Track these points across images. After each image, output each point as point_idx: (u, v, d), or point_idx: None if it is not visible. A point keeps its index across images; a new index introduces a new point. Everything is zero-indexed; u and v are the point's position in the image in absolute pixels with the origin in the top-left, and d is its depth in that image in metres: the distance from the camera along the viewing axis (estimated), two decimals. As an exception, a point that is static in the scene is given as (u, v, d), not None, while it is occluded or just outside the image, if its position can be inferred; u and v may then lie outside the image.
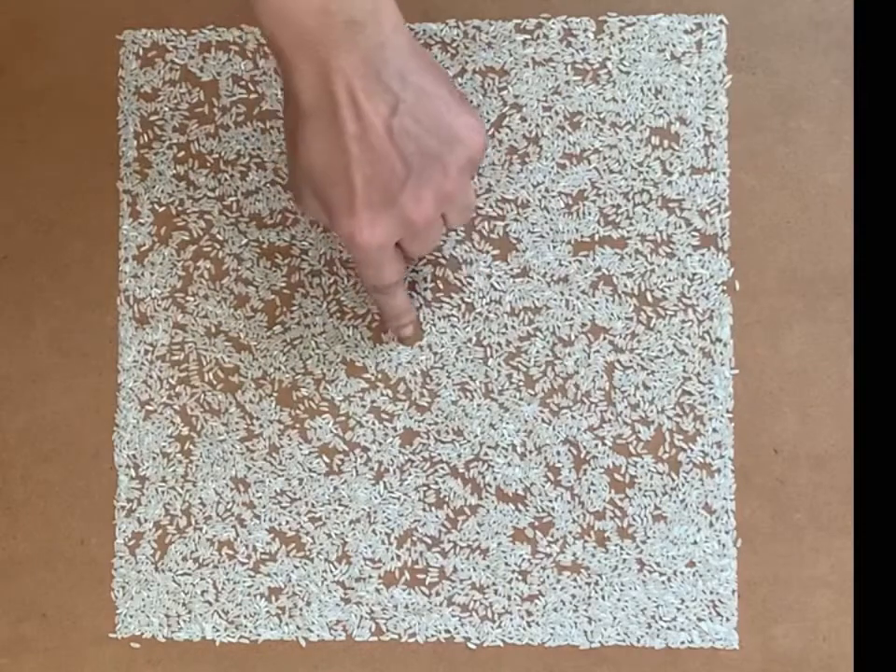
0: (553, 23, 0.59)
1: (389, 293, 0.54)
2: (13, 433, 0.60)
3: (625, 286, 0.58)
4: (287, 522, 0.59)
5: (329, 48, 0.44)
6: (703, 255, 0.58)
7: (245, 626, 0.59)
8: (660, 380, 0.58)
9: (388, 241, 0.49)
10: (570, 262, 0.58)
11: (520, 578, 0.58)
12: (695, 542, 0.57)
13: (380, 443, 0.58)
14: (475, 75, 0.59)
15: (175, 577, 0.59)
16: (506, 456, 0.58)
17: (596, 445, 0.58)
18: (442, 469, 0.58)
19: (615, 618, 0.57)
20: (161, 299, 0.60)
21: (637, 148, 0.58)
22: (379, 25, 0.45)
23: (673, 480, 0.57)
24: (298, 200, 0.49)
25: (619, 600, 0.57)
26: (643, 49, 0.58)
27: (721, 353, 0.57)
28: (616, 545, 0.57)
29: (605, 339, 0.58)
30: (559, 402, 0.58)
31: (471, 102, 0.58)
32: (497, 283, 0.58)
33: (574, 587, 0.57)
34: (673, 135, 0.58)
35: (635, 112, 0.58)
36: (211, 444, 0.59)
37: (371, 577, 0.58)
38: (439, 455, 0.58)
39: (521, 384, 0.58)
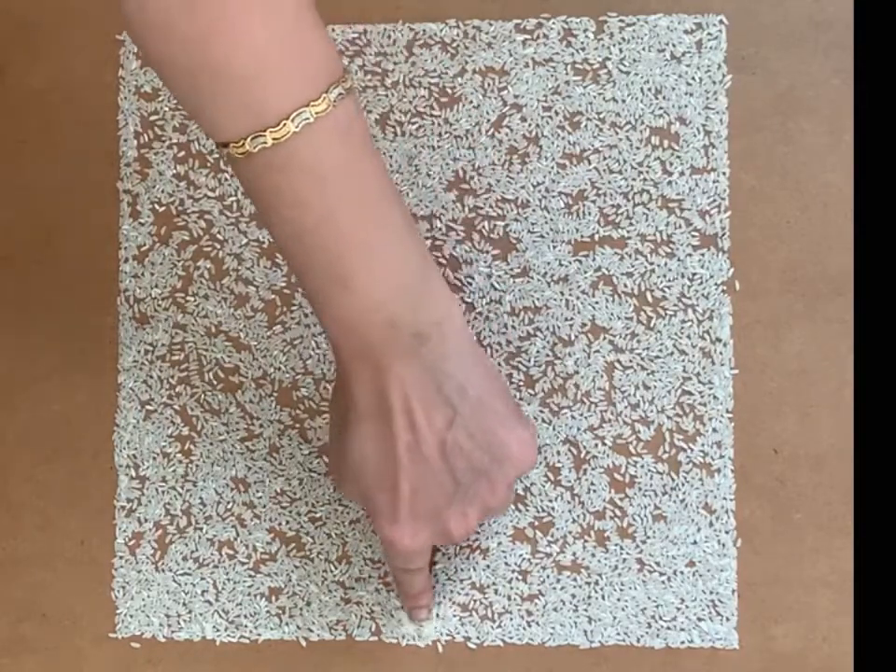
0: (553, 23, 0.59)
1: (414, 574, 0.53)
2: (13, 433, 0.60)
3: (625, 286, 0.58)
4: (287, 522, 0.59)
5: (392, 357, 0.44)
6: (703, 255, 0.58)
7: (245, 626, 0.59)
8: (660, 380, 0.58)
9: (427, 546, 0.49)
10: (570, 262, 0.58)
11: (520, 578, 0.58)
12: (695, 542, 0.57)
13: (380, 443, 0.58)
14: (475, 75, 0.59)
15: (175, 577, 0.59)
16: (506, 456, 0.58)
17: (596, 445, 0.58)
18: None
19: (615, 618, 0.57)
20: (161, 299, 0.60)
21: (637, 148, 0.58)
22: (444, 337, 0.45)
23: (673, 480, 0.57)
24: (339, 486, 0.50)
25: (619, 600, 0.57)
26: (643, 48, 0.58)
27: (721, 353, 0.57)
28: (616, 545, 0.57)
29: (605, 339, 0.58)
30: (559, 402, 0.58)
31: (471, 102, 0.58)
32: (497, 283, 0.58)
33: (574, 587, 0.57)
34: (673, 135, 0.58)
35: (635, 112, 0.58)
36: (211, 444, 0.59)
37: (371, 577, 0.58)
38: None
39: (521, 384, 0.58)
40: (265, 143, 0.41)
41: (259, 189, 0.43)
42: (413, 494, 0.46)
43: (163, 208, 0.60)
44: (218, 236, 0.60)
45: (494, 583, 0.58)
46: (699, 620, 0.57)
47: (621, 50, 0.58)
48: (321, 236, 0.43)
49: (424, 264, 0.45)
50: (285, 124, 0.41)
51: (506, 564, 0.58)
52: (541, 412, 0.58)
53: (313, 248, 0.43)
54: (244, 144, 0.42)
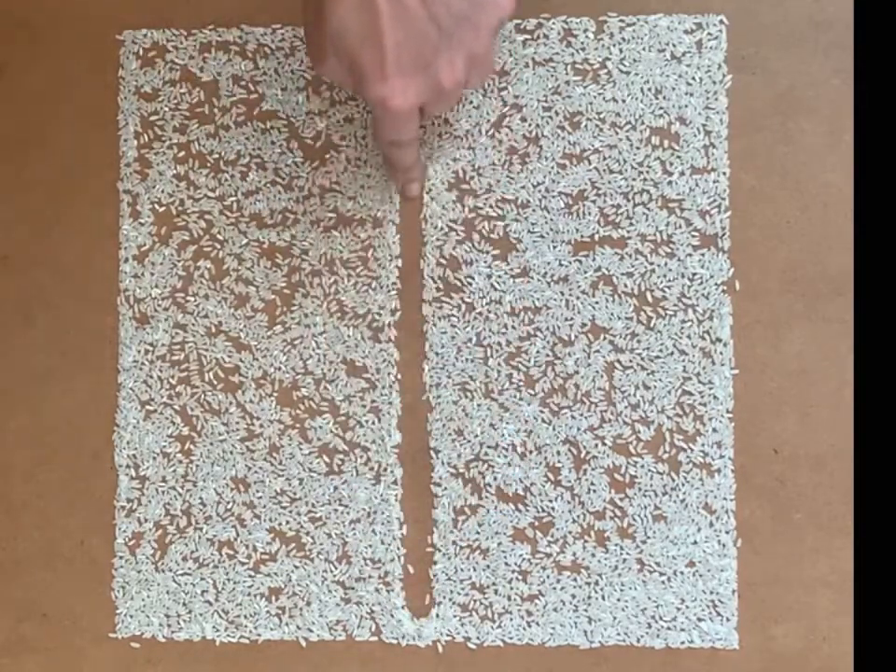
0: (553, 23, 0.59)
1: (404, 147, 0.53)
2: (13, 433, 0.60)
3: (625, 286, 0.58)
4: (287, 522, 0.59)
5: None
6: (703, 255, 0.58)
7: (245, 626, 0.59)
8: (660, 380, 0.58)
9: (418, 105, 0.49)
10: (570, 262, 0.58)
11: (520, 578, 0.58)
12: (695, 542, 0.57)
13: (380, 443, 0.58)
14: (475, 75, 0.59)
15: (175, 577, 0.59)
16: (506, 456, 0.58)
17: (596, 445, 0.58)
18: (442, 468, 0.58)
19: (615, 618, 0.57)
20: (161, 299, 0.60)
21: (637, 148, 0.58)
22: None
23: (673, 480, 0.57)
24: (318, 62, 0.48)
25: (619, 600, 0.57)
26: (643, 49, 0.58)
27: (721, 353, 0.57)
28: (616, 545, 0.57)
29: (605, 339, 0.58)
30: (559, 402, 0.58)
31: (471, 102, 0.59)
32: (497, 283, 0.58)
33: (574, 587, 0.57)
34: (673, 135, 0.58)
35: (635, 112, 0.58)
36: (211, 444, 0.59)
37: (370, 577, 0.58)
38: (439, 455, 0.58)
39: (521, 384, 0.58)
40: None
41: None
42: (397, 46, 0.46)
43: (163, 208, 0.60)
44: (218, 236, 0.60)
45: (494, 583, 0.58)
46: (699, 620, 0.57)
47: (621, 50, 0.58)
48: None
49: None
50: None
51: (506, 564, 0.58)
52: (541, 412, 0.58)
53: None
54: None
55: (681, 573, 0.57)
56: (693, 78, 0.58)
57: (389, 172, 0.58)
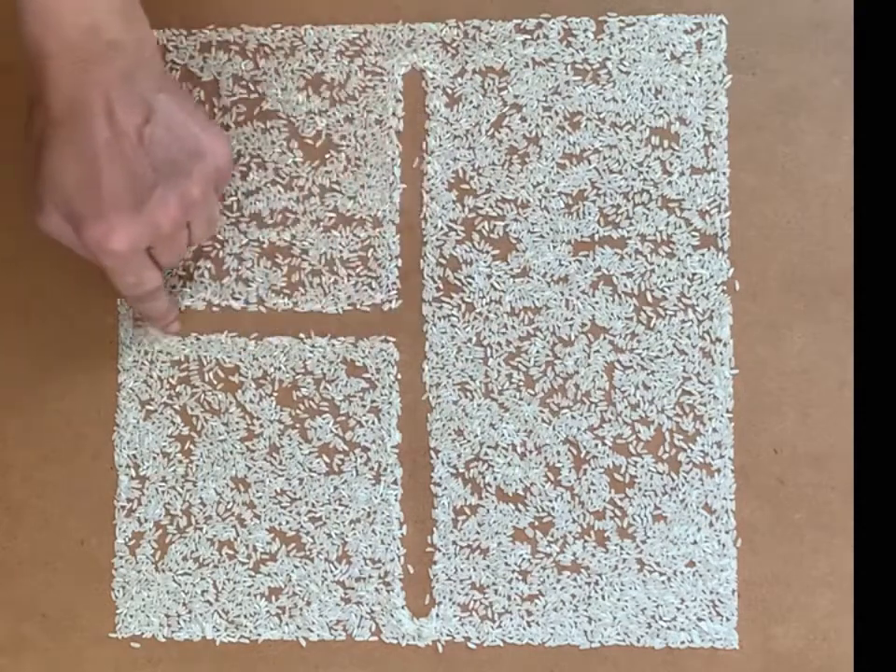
0: (553, 23, 0.59)
1: (153, 298, 0.55)
2: (13, 433, 0.60)
3: (625, 286, 0.58)
4: (287, 522, 0.59)
5: (90, 62, 0.47)
6: (703, 255, 0.58)
7: (245, 626, 0.59)
8: (660, 380, 0.58)
9: (138, 245, 0.50)
10: (570, 262, 0.58)
11: (520, 578, 0.58)
12: (695, 542, 0.57)
13: (380, 443, 0.58)
14: (475, 75, 0.59)
15: (175, 577, 0.59)
16: (506, 456, 0.58)
17: (596, 445, 0.58)
18: (442, 468, 0.58)
19: (615, 618, 0.57)
20: (161, 299, 0.60)
21: (637, 148, 0.58)
22: (139, 50, 0.48)
23: (673, 480, 0.57)
24: (38, 212, 0.50)
25: (619, 600, 0.57)
26: (643, 49, 0.58)
27: (721, 353, 0.57)
28: (616, 545, 0.57)
29: (605, 339, 0.58)
30: (559, 402, 0.58)
31: (471, 102, 0.59)
32: (497, 283, 0.58)
33: (574, 587, 0.57)
34: (673, 135, 0.58)
35: (635, 112, 0.58)
36: (211, 444, 0.59)
37: (370, 577, 0.58)
38: (439, 455, 0.58)
39: (521, 384, 0.58)
40: None
41: None
42: (114, 187, 0.48)
43: (163, 208, 0.60)
44: (218, 236, 0.60)
45: (494, 583, 0.58)
46: (699, 620, 0.57)
47: (621, 50, 0.58)
48: None
49: None
50: None
51: (506, 564, 0.58)
52: (541, 412, 0.58)
53: None
54: None
55: (681, 573, 0.57)
56: (693, 78, 0.58)
57: (146, 321, 0.59)
